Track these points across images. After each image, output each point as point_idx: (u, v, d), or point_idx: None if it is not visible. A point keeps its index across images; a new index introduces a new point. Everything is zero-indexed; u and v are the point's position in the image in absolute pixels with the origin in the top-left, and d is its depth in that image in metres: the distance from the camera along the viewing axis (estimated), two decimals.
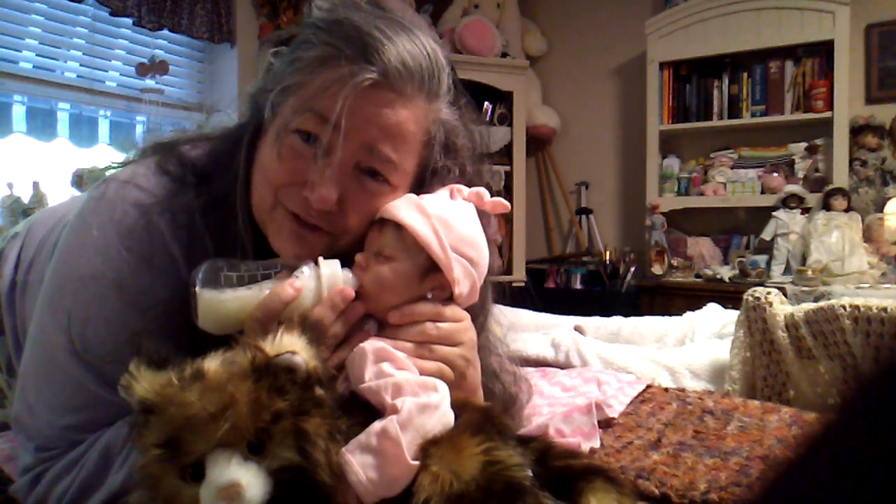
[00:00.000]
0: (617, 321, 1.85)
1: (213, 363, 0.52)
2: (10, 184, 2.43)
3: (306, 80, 0.70)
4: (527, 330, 1.79)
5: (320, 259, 0.68)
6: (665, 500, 0.76)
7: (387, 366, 0.62)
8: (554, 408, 1.04)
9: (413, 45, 0.71)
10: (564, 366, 1.42)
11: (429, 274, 0.69)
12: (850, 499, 0.24)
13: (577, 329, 1.74)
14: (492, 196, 0.76)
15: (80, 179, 2.61)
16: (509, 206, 0.77)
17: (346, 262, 0.69)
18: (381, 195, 0.72)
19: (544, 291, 3.74)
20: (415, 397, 0.58)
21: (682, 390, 1.20)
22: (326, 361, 0.63)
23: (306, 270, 0.67)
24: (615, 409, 1.02)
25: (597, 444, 0.91)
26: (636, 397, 1.12)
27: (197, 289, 0.65)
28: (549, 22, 4.21)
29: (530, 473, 0.57)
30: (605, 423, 0.99)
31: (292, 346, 0.53)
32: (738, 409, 1.05)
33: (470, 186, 0.76)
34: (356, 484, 0.54)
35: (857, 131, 3.21)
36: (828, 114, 3.20)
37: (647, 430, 0.97)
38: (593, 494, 0.57)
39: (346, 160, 0.69)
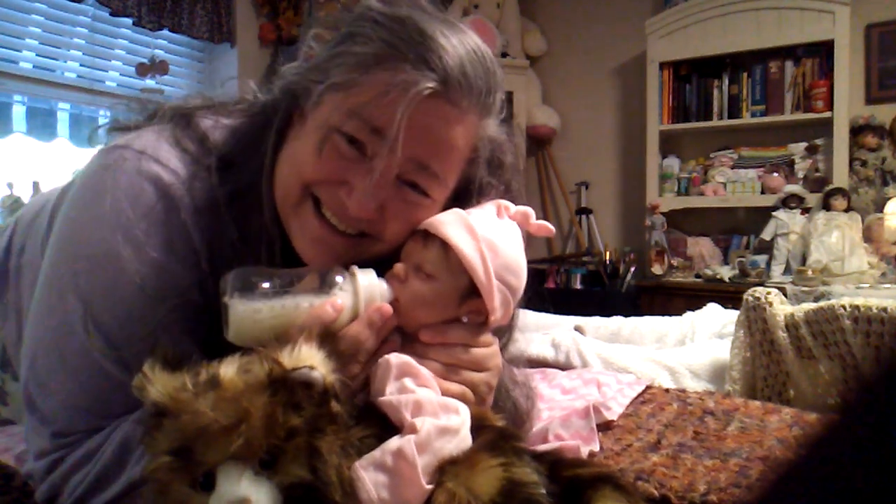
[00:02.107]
0: (617, 321, 1.85)
1: (228, 370, 0.50)
2: (10, 184, 2.43)
3: (359, 79, 0.65)
4: (527, 330, 1.78)
5: (356, 269, 0.65)
6: (664, 501, 0.76)
7: (409, 381, 0.60)
8: (553, 411, 1.04)
9: (474, 55, 0.67)
10: (564, 366, 1.42)
11: (468, 298, 0.67)
12: (850, 500, 0.23)
13: (578, 329, 1.74)
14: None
15: None
16: (554, 231, 0.74)
17: (376, 268, 0.66)
18: (422, 207, 0.69)
19: (544, 291, 3.74)
20: (435, 418, 0.57)
21: (683, 391, 1.19)
22: (356, 377, 0.62)
23: (339, 279, 0.64)
24: (614, 412, 1.02)
25: (596, 447, 0.91)
26: (636, 398, 1.12)
27: (230, 300, 0.60)
28: (549, 22, 4.20)
29: (545, 492, 0.56)
30: (605, 425, 0.99)
31: (310, 360, 0.51)
32: (738, 410, 1.05)
33: (514, 203, 0.73)
34: (367, 502, 0.52)
35: (857, 131, 3.21)
36: (828, 114, 3.20)
37: (647, 432, 0.97)
38: (602, 502, 0.57)
39: (391, 171, 0.66)
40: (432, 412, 0.57)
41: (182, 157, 0.72)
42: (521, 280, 0.70)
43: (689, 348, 1.57)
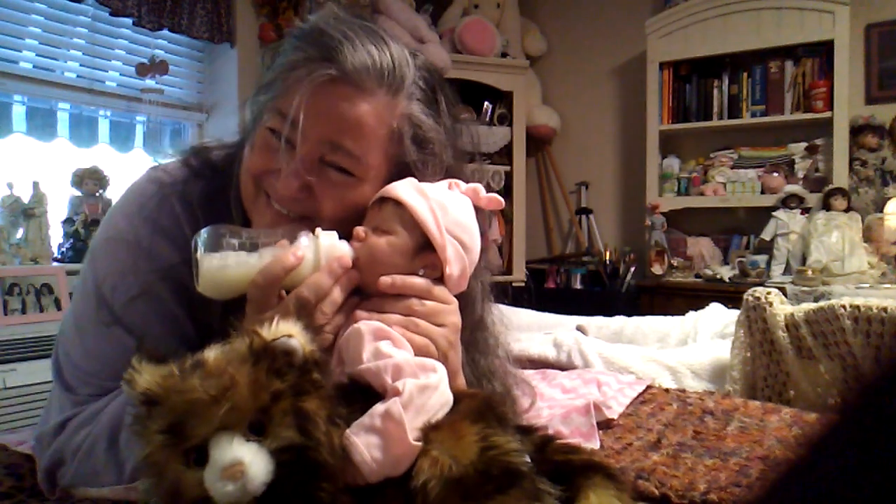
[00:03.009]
0: (619, 321, 1.85)
1: (212, 352, 0.53)
2: (10, 184, 2.42)
3: (278, 82, 0.75)
4: (528, 330, 1.79)
5: (318, 230, 0.70)
6: (665, 500, 0.76)
7: (385, 345, 0.63)
8: (554, 410, 1.04)
9: (376, 47, 0.74)
10: (566, 366, 1.42)
11: (422, 252, 0.71)
12: (850, 500, 0.24)
13: (580, 329, 1.75)
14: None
15: (80, 179, 2.61)
16: (503, 203, 0.79)
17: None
18: (349, 186, 0.75)
19: (544, 291, 3.74)
20: (415, 378, 0.60)
21: (683, 391, 1.20)
22: (323, 327, 0.67)
23: (304, 240, 0.69)
24: (614, 411, 1.02)
25: (596, 445, 0.91)
26: (636, 398, 1.12)
27: (199, 253, 0.65)
28: (549, 22, 4.20)
29: (528, 460, 0.57)
30: (605, 425, 0.99)
31: (288, 331, 0.54)
32: (738, 410, 1.05)
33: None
34: (361, 464, 0.55)
35: (857, 131, 3.21)
36: (828, 114, 3.20)
37: (648, 431, 0.97)
38: (593, 491, 0.58)
39: (311, 154, 0.73)
40: (411, 373, 0.61)
41: (184, 169, 0.87)
42: (473, 239, 0.74)
43: (690, 348, 1.57)
